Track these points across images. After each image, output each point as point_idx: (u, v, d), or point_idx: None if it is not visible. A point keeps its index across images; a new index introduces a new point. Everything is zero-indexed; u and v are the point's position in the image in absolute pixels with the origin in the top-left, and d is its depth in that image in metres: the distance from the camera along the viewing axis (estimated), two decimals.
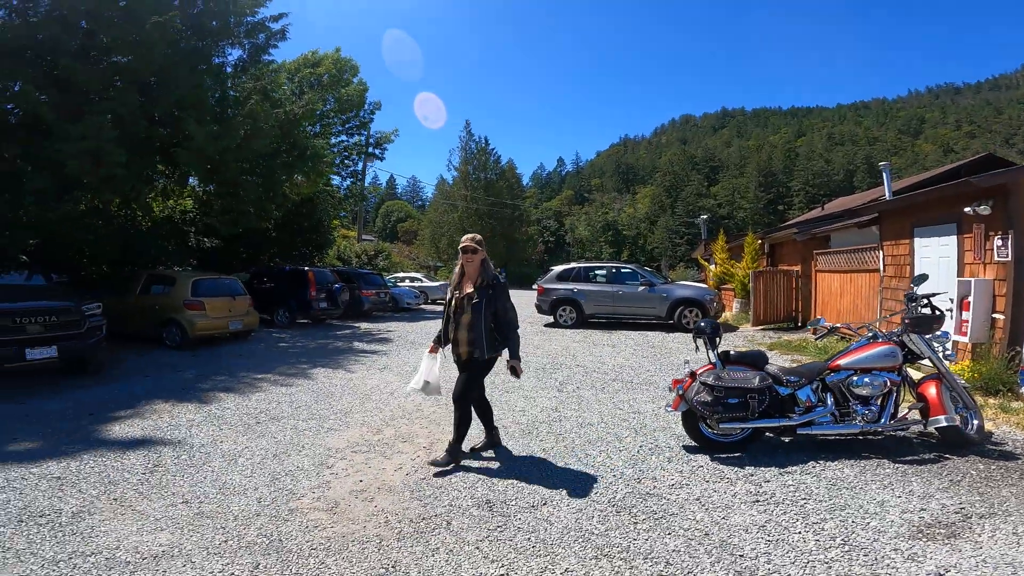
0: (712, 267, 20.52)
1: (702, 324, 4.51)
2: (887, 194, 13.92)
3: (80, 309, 7.11)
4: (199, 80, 10.83)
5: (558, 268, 14.77)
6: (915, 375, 4.67)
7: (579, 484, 3.73)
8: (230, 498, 3.49)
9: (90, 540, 2.92)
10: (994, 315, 6.42)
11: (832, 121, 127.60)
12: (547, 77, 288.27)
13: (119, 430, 5.06)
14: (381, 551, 2.83)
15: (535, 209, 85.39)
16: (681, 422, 4.53)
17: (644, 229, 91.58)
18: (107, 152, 8.47)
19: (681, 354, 9.27)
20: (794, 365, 4.63)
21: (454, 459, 4.08)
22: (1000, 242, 6.33)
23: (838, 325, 5.23)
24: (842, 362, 4.35)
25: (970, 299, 6.50)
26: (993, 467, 3.87)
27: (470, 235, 4.26)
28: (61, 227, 9.54)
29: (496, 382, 7.05)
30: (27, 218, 9.20)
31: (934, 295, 4.55)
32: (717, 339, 4.45)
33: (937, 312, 4.40)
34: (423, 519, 3.21)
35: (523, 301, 23.71)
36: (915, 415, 4.29)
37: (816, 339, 6.16)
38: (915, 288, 4.65)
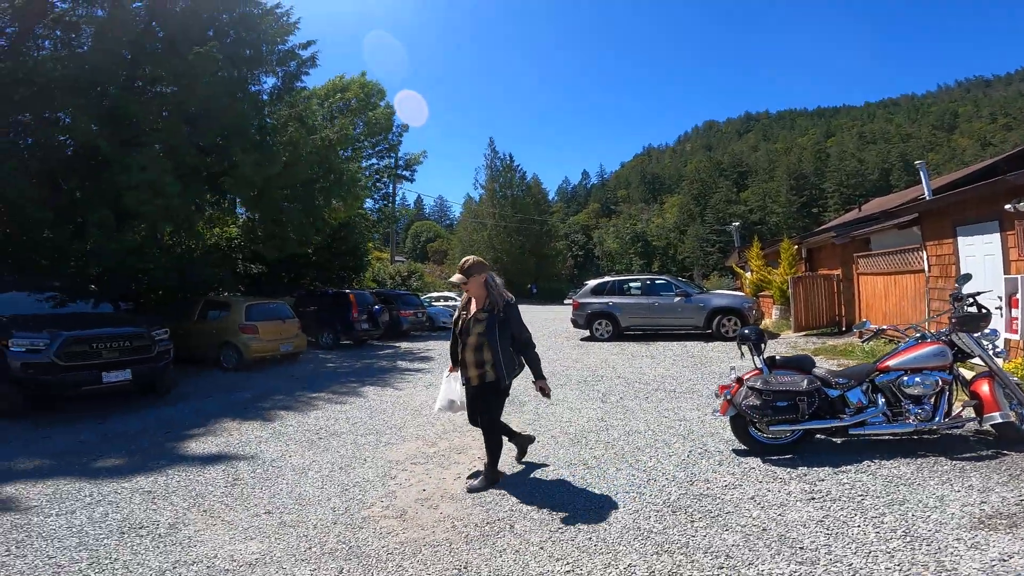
0: (748, 274, 20.25)
1: (746, 331, 4.62)
2: (927, 193, 13.55)
3: (151, 334, 7.65)
4: (240, 109, 11.24)
5: (592, 282, 14.91)
6: (967, 374, 4.63)
7: (632, 487, 3.86)
8: (307, 508, 3.75)
9: (189, 549, 3.19)
10: None
11: (861, 120, 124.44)
12: (567, 90, 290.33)
13: (195, 446, 5.44)
14: (452, 554, 3.02)
15: (562, 224, 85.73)
16: (730, 426, 4.61)
17: (674, 239, 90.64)
18: (163, 183, 8.99)
19: (721, 363, 9.24)
20: (841, 368, 4.66)
21: (490, 483, 3.97)
22: None
23: (884, 327, 5.23)
24: (891, 363, 4.38)
25: (1018, 296, 6.36)
26: None
27: (462, 262, 4.09)
28: (122, 257, 10.04)
29: (540, 396, 7.21)
30: (91, 248, 9.77)
31: (979, 293, 4.53)
32: (762, 345, 4.55)
33: (984, 310, 4.39)
34: (487, 523, 3.39)
35: (553, 316, 24.01)
36: (969, 412, 4.27)
37: (863, 341, 6.13)
38: (960, 287, 4.64)
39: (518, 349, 4.07)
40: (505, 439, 4.29)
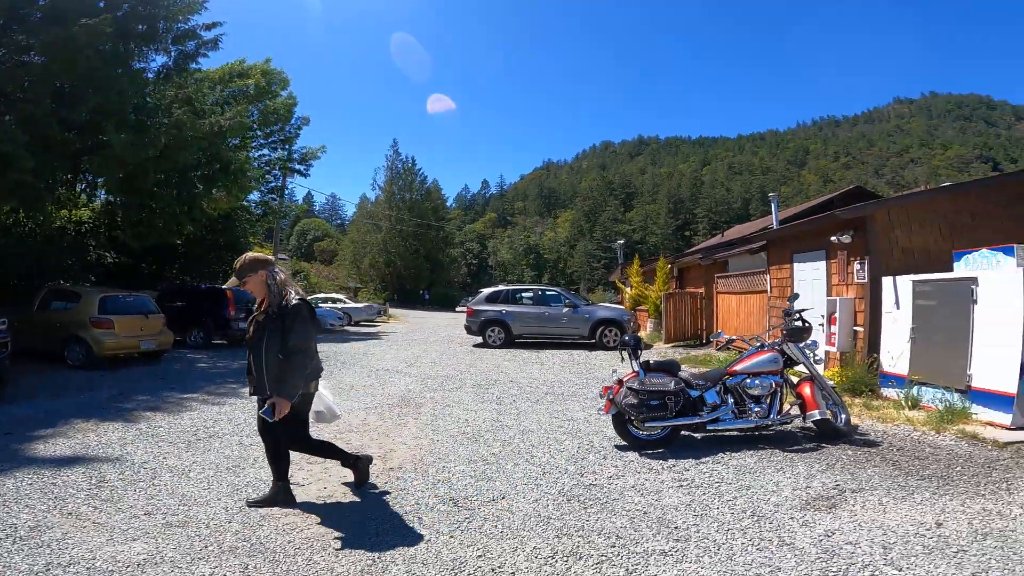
0: (628, 290, 22.06)
1: (626, 338, 5.25)
2: (774, 222, 15.98)
3: None
4: (121, 86, 10.32)
5: (487, 290, 15.34)
6: (795, 379, 5.63)
7: (530, 480, 4.18)
8: (194, 508, 3.55)
9: (61, 552, 2.90)
10: (855, 328, 7.78)
11: (733, 151, 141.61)
12: (473, 99, 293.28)
13: (45, 448, 4.82)
14: (364, 546, 3.08)
15: (459, 231, 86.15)
16: (612, 424, 5.14)
17: (564, 253, 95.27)
18: (15, 157, 7.86)
19: (604, 370, 10.07)
20: (701, 371, 5.45)
21: (277, 500, 3.58)
22: (859, 266, 7.73)
23: (734, 337, 6.16)
24: (737, 367, 5.22)
25: (836, 315, 7.83)
26: (860, 452, 4.76)
27: (237, 260, 3.57)
28: None
29: (436, 398, 7.38)
30: None
31: (804, 310, 5.57)
32: (639, 351, 5.17)
33: (807, 324, 5.41)
34: (395, 517, 3.49)
35: (446, 322, 24.18)
36: (795, 411, 5.22)
37: (717, 349, 7.11)
38: (791, 304, 5.66)
39: (286, 354, 3.33)
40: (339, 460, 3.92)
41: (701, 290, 15.71)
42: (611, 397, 4.95)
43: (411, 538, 3.19)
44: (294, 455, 3.85)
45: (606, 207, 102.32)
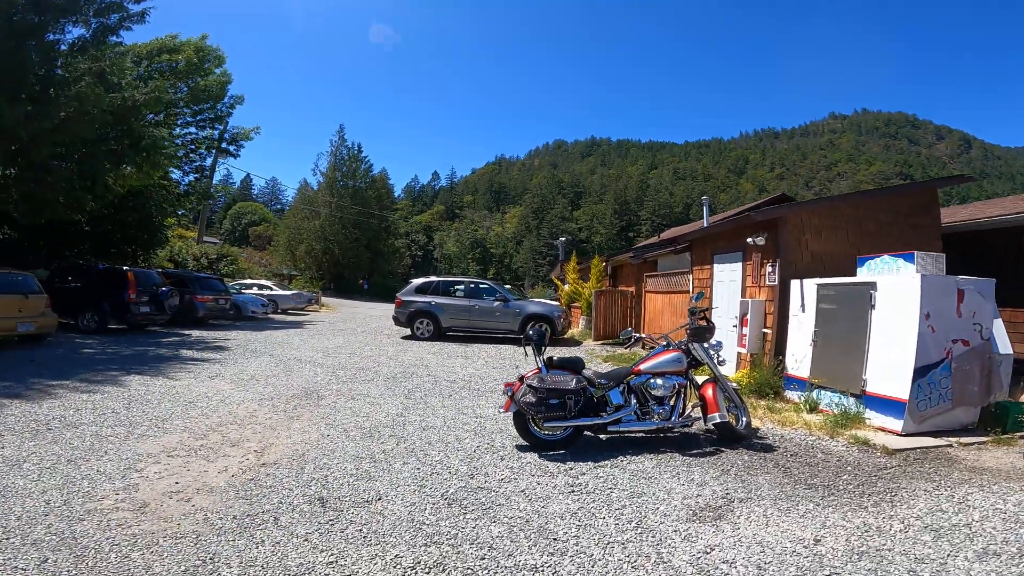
0: (564, 286, 22.17)
1: (530, 332, 5.00)
2: (705, 223, 16.47)
3: None
4: (24, 56, 9.86)
5: (418, 281, 14.89)
6: (699, 379, 5.64)
7: (415, 480, 3.91)
8: (11, 501, 3.14)
9: None
10: (765, 330, 8.00)
11: (680, 156, 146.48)
12: (430, 89, 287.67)
13: None
14: (198, 546, 2.74)
15: (405, 222, 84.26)
16: (513, 423, 4.94)
17: (511, 248, 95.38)
18: None
19: (528, 365, 9.92)
20: (607, 370, 5.33)
21: None
22: (771, 269, 7.95)
23: (641, 335, 6.12)
24: (642, 367, 5.14)
25: (748, 316, 8.02)
26: (755, 458, 4.76)
27: None
28: None
29: (343, 390, 6.96)
30: None
31: (708, 309, 5.59)
32: (543, 346, 4.98)
33: (710, 324, 5.42)
34: (248, 516, 3.14)
35: (380, 313, 23.43)
36: (697, 413, 5.21)
37: (625, 348, 7.07)
38: (695, 303, 5.66)
39: None
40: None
41: (632, 289, 15.94)
42: (511, 395, 4.75)
43: (257, 539, 2.86)
44: (151, 449, 3.40)
45: (555, 205, 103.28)
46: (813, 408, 6.34)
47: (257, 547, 2.78)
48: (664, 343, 5.41)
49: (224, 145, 24.05)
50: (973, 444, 5.15)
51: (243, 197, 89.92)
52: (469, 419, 5.81)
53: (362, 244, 48.95)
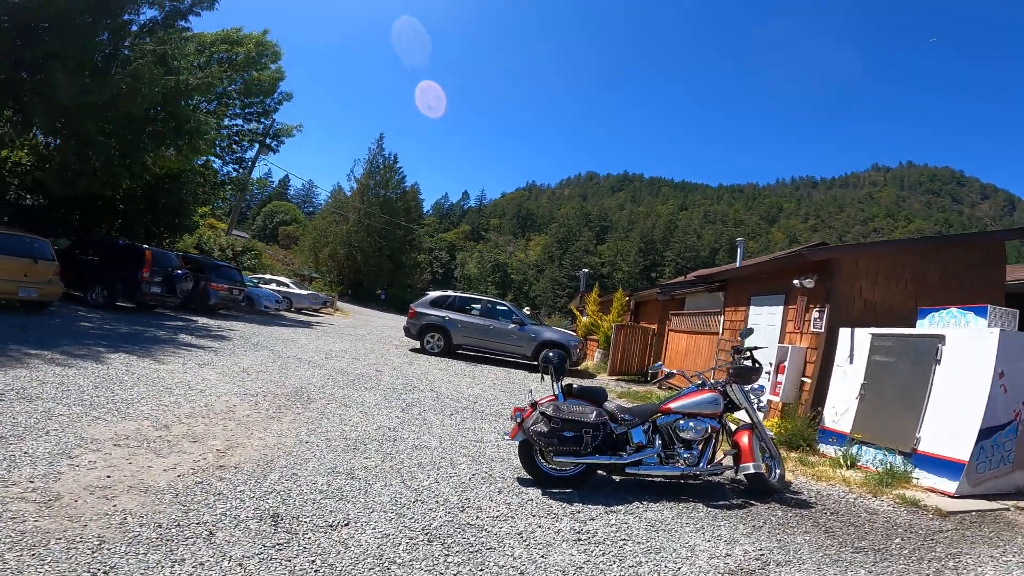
0: (583, 318, 21.49)
1: (550, 355, 4.44)
2: (738, 266, 15.72)
3: None
4: (95, 32, 10.18)
5: (433, 294, 14.43)
6: (731, 425, 4.95)
7: (394, 507, 3.30)
8: None
9: None
10: (803, 379, 7.25)
11: (712, 199, 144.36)
12: (468, 110, 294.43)
13: None
14: (95, 555, 2.19)
15: (430, 238, 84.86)
16: (518, 453, 4.32)
17: (531, 276, 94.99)
18: None
19: (538, 392, 9.25)
20: (631, 405, 4.72)
21: None
22: (817, 314, 7.23)
23: (674, 372, 5.47)
24: (672, 406, 4.48)
25: (786, 363, 7.29)
26: (790, 514, 4.13)
27: None
28: None
29: (336, 396, 6.42)
30: None
31: (756, 348, 4.92)
32: (563, 372, 4.40)
33: (757, 364, 4.75)
34: (178, 526, 2.58)
35: (393, 324, 23.02)
36: (728, 461, 4.51)
37: (653, 383, 6.49)
38: (742, 341, 5.01)
39: None
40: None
41: (654, 326, 15.23)
42: (520, 421, 4.14)
43: (176, 557, 2.28)
44: (99, 435, 2.87)
45: (580, 237, 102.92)
46: (852, 464, 5.86)
47: (172, 566, 2.22)
48: (698, 382, 4.76)
49: (267, 141, 24.29)
50: None
51: (279, 196, 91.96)
52: (468, 442, 5.18)
53: (385, 254, 49.11)
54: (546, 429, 3.98)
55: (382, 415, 5.78)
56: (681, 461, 4.28)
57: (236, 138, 22.93)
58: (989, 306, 5.42)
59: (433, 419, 5.97)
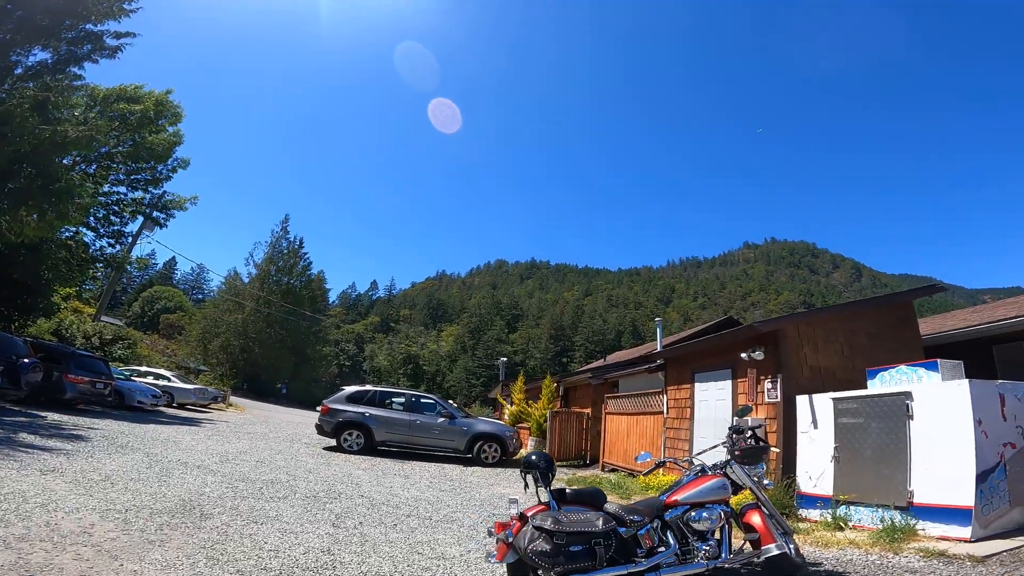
0: (510, 406, 20.60)
1: (533, 457, 3.72)
2: (658, 345, 15.98)
3: None
4: None
5: (350, 389, 13.07)
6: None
7: None
8: None
9: None
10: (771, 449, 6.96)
11: (613, 284, 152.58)
12: (374, 199, 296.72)
13: None
14: None
15: (336, 330, 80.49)
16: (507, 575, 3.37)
17: (444, 367, 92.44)
18: None
19: (483, 488, 8.15)
20: (630, 503, 4.00)
21: None
22: (770, 385, 7.14)
23: (665, 459, 4.86)
24: (679, 497, 3.85)
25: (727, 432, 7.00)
26: None
27: None
28: None
29: (241, 509, 5.00)
30: None
31: (759, 426, 4.52)
32: (551, 475, 3.65)
33: (762, 443, 4.32)
34: None
35: (300, 420, 20.46)
36: (748, 547, 3.88)
37: (645, 474, 5.91)
38: (738, 421, 4.60)
39: None
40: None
41: (588, 410, 14.77)
42: (508, 540, 3.25)
43: None
44: None
45: (492, 326, 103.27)
46: (840, 526, 5.62)
47: None
48: (698, 466, 4.20)
49: (154, 213, 21.40)
50: None
51: (163, 280, 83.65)
52: (429, 562, 4.05)
53: (287, 346, 45.26)
54: (549, 547, 3.13)
55: (308, 533, 4.47)
56: (700, 555, 3.56)
57: (116, 208, 20.02)
58: (939, 361, 5.59)
59: (375, 534, 4.74)
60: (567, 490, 3.71)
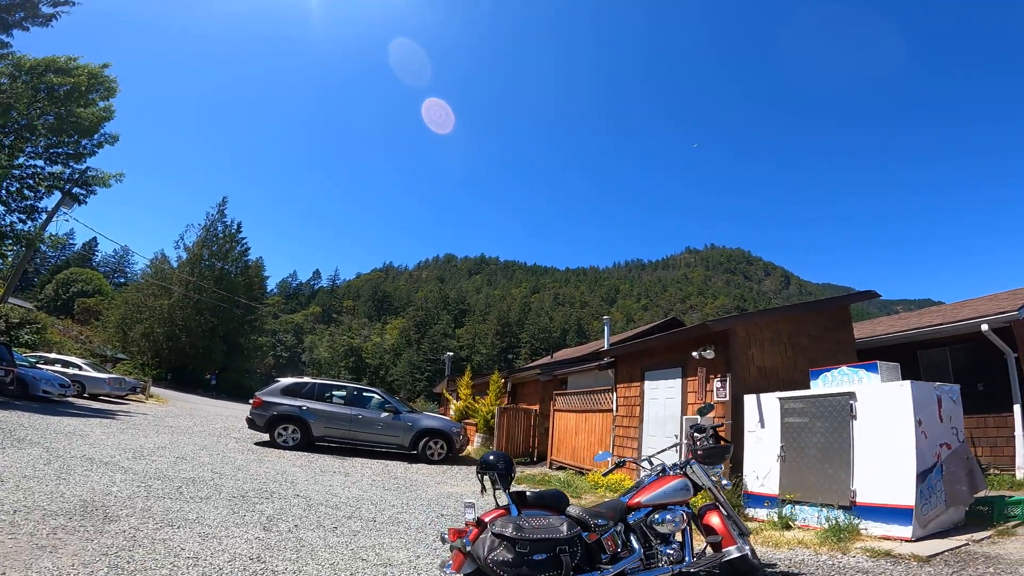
0: (456, 402, 20.24)
1: (491, 458, 3.41)
2: (606, 344, 16.14)
3: None
4: None
5: (286, 380, 12.30)
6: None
7: None
8: None
9: None
10: None
11: (560, 282, 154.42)
12: (321, 186, 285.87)
13: None
14: None
15: (274, 319, 76.75)
16: None
17: (388, 360, 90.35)
18: None
19: (430, 488, 7.81)
20: (594, 505, 3.82)
21: None
22: (719, 384, 7.23)
23: (625, 459, 4.73)
24: (642, 498, 3.72)
25: (687, 431, 7.05)
26: None
27: None
28: None
29: (153, 511, 4.45)
30: None
31: (720, 425, 4.48)
32: (510, 477, 3.38)
33: (724, 443, 4.26)
34: None
35: (230, 413, 19.18)
36: (709, 550, 3.79)
37: (605, 474, 5.79)
38: (702, 418, 4.53)
39: None
40: None
41: (536, 407, 14.67)
42: (464, 548, 2.97)
43: None
44: None
45: (439, 320, 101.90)
46: (787, 525, 5.69)
47: None
48: (658, 466, 4.09)
49: (73, 190, 19.43)
50: (983, 540, 4.87)
51: (81, 261, 76.65)
52: (374, 569, 3.71)
53: (218, 335, 42.54)
54: (511, 556, 2.88)
55: (235, 537, 4.01)
56: (664, 560, 3.44)
57: (31, 181, 18.21)
58: (878, 363, 5.78)
59: (312, 538, 4.32)
60: (527, 493, 3.46)
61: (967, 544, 4.71)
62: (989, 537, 4.90)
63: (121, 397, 18.12)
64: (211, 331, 41.70)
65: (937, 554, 4.44)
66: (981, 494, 5.65)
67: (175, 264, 43.81)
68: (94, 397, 16.75)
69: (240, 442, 10.78)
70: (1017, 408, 7.99)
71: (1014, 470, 7.85)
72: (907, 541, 4.80)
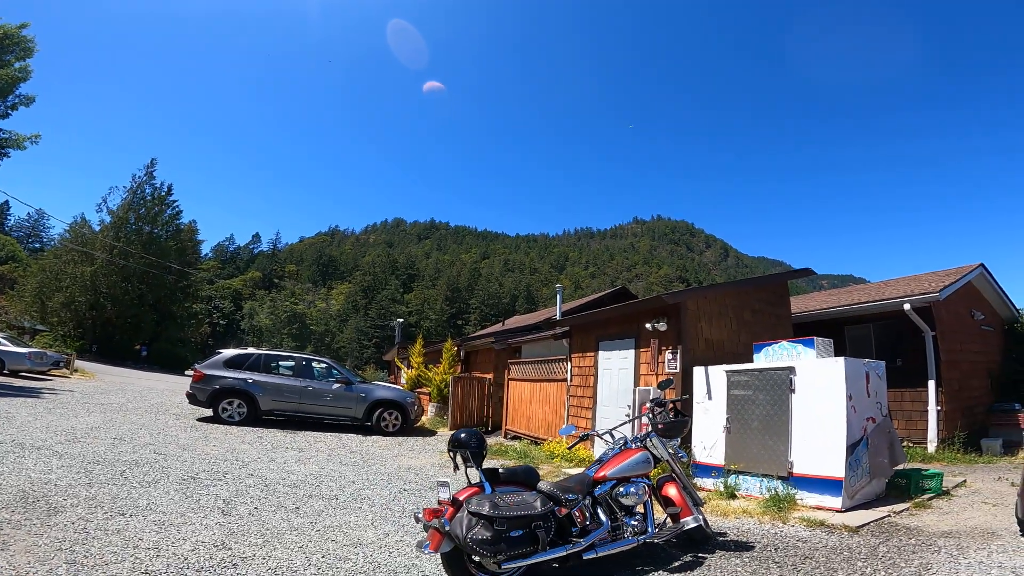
0: (408, 370, 20.11)
1: (463, 435, 3.42)
2: (558, 312, 16.45)
3: None
4: None
5: (229, 352, 11.74)
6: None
7: None
8: None
9: None
10: None
11: (511, 248, 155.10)
12: (260, 142, 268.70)
13: None
14: None
15: (209, 285, 72.71)
16: (443, 566, 3.14)
17: (334, 326, 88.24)
18: None
19: (388, 462, 7.82)
20: (563, 479, 3.95)
21: None
22: (671, 355, 7.53)
23: (591, 432, 4.90)
24: (607, 472, 3.89)
25: (647, 405, 7.36)
26: (746, 559, 3.85)
27: None
28: None
29: (100, 499, 4.23)
30: None
31: (681, 400, 4.68)
32: (483, 454, 3.42)
33: (683, 416, 4.47)
34: None
35: (166, 387, 18.31)
36: (669, 521, 4.04)
37: (571, 447, 5.96)
38: (663, 392, 4.72)
39: None
40: None
41: (489, 375, 14.83)
42: (441, 526, 3.01)
43: None
44: None
45: (387, 285, 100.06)
46: (732, 495, 5.94)
47: None
48: (620, 439, 4.26)
49: None
50: (903, 511, 5.20)
51: None
52: (345, 551, 3.70)
53: (148, 303, 39.87)
54: (489, 534, 2.96)
55: (193, 524, 3.88)
56: (628, 531, 3.65)
57: None
58: (815, 339, 6.14)
59: (275, 520, 4.26)
60: (500, 469, 3.54)
61: (889, 516, 5.06)
62: (907, 509, 5.26)
63: (43, 373, 16.82)
64: (139, 299, 39.03)
65: (864, 524, 4.73)
66: (900, 467, 6.06)
67: (97, 228, 40.34)
68: (14, 374, 15.47)
69: (181, 419, 10.31)
70: (931, 384, 8.71)
71: (926, 443, 8.59)
72: (837, 512, 5.09)
